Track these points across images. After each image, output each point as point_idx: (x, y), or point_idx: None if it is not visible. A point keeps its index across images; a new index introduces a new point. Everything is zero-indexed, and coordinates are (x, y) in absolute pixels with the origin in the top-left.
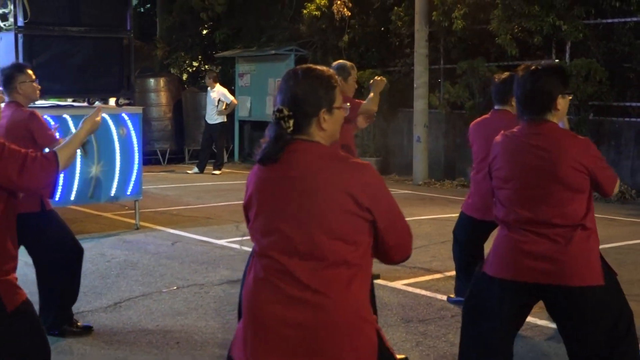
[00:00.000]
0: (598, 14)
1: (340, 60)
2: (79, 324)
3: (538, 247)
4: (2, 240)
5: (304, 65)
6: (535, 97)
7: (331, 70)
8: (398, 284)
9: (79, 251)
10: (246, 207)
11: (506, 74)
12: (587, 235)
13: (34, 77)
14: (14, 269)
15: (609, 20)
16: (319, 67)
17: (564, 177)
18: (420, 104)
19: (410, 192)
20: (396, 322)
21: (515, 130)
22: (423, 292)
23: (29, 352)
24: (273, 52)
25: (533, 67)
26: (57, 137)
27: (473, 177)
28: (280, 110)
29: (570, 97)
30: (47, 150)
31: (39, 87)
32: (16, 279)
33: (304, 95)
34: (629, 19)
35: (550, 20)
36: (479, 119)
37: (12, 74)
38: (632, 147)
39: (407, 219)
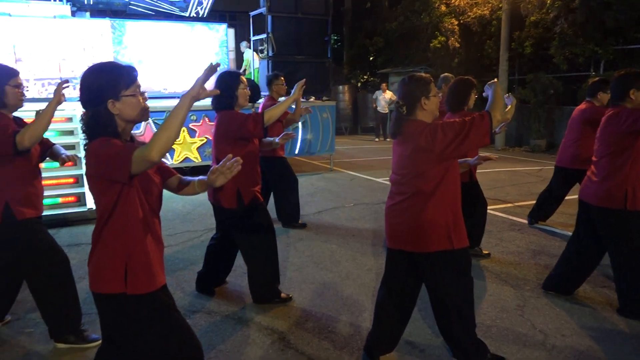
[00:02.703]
0: (624, 42)
1: (446, 73)
2: (300, 222)
3: None
4: (252, 167)
5: (410, 74)
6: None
7: (426, 75)
8: None
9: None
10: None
11: (597, 78)
12: None
13: (284, 81)
14: (258, 184)
15: (631, 46)
16: (417, 74)
17: None
18: None
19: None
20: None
21: None
22: (499, 213)
23: (260, 231)
24: (411, 69)
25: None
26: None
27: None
28: (398, 102)
29: None
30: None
31: (286, 87)
32: (259, 190)
33: (409, 91)
34: None
35: (590, 47)
36: (578, 107)
37: (271, 79)
38: None
39: (489, 170)
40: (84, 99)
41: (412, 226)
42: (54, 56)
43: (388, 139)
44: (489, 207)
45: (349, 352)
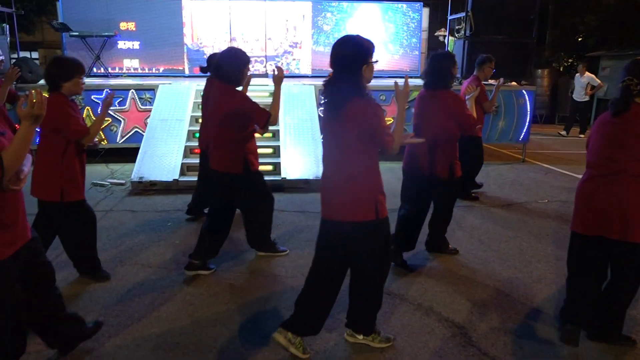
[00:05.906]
0: None
1: None
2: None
3: None
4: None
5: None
6: None
7: None
8: None
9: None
10: (588, 141)
11: None
12: None
13: (493, 66)
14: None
15: None
16: None
17: None
18: None
19: None
20: None
21: None
22: None
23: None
24: (631, 52)
25: None
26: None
27: None
28: (630, 78)
29: None
30: None
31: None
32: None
33: None
34: None
35: None
36: None
37: (485, 60)
38: None
39: None
40: (342, 65)
41: (625, 212)
42: (261, 36)
43: (582, 135)
44: None
45: None
